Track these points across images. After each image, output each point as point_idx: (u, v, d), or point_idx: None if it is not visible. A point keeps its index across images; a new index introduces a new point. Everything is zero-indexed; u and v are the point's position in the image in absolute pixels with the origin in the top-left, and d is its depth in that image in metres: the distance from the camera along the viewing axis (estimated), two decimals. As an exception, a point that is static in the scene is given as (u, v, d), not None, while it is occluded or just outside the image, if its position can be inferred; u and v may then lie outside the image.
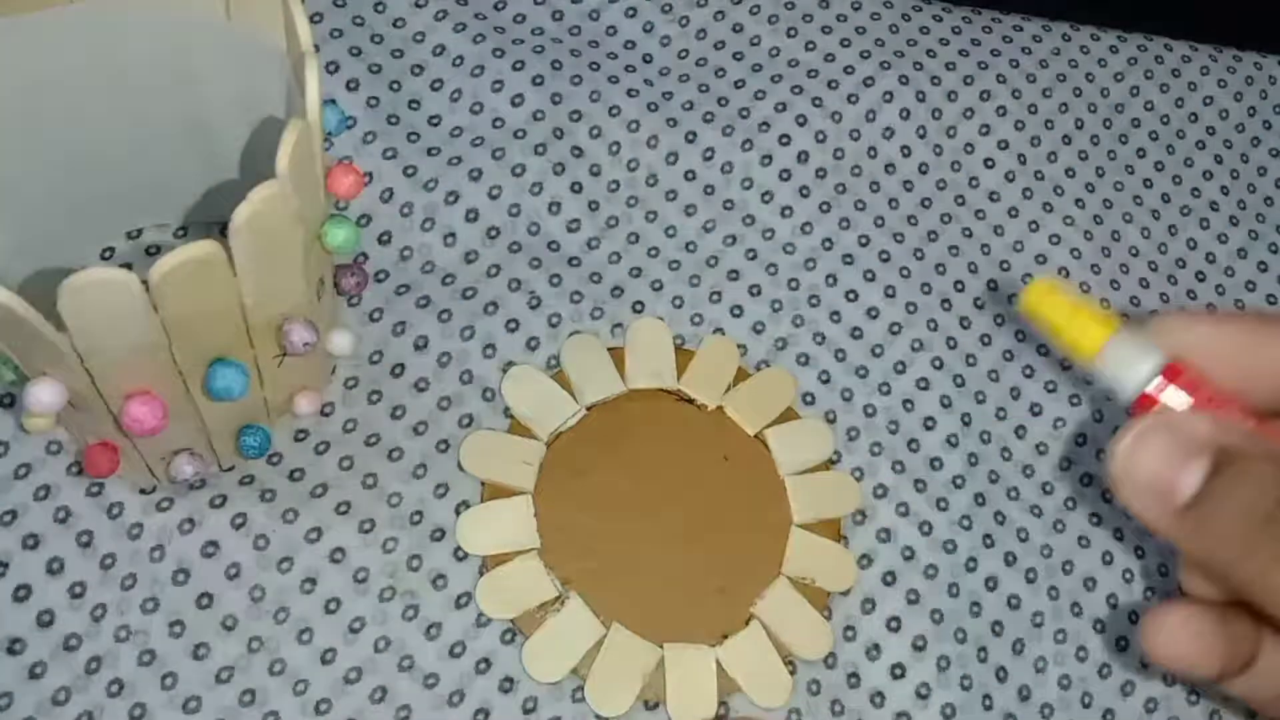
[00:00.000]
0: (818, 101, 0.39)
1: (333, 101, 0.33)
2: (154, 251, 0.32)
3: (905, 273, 0.37)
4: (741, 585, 0.31)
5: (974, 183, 0.39)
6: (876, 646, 0.32)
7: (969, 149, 0.39)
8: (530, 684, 0.29)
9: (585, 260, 0.35)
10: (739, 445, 0.33)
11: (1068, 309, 0.23)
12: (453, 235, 0.34)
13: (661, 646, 0.30)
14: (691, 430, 0.33)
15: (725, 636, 0.30)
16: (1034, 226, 0.38)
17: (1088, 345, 0.23)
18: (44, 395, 0.23)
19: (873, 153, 0.38)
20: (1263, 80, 0.43)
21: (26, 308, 0.21)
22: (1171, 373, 0.22)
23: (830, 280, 0.36)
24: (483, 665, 0.29)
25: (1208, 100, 0.42)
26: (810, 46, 0.40)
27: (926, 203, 0.38)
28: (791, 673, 0.31)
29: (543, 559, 0.30)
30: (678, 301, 0.35)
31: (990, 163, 0.39)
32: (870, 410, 0.34)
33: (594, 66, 0.38)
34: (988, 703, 0.32)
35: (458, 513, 0.31)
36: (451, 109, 0.36)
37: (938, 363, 0.35)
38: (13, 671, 0.27)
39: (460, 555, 0.30)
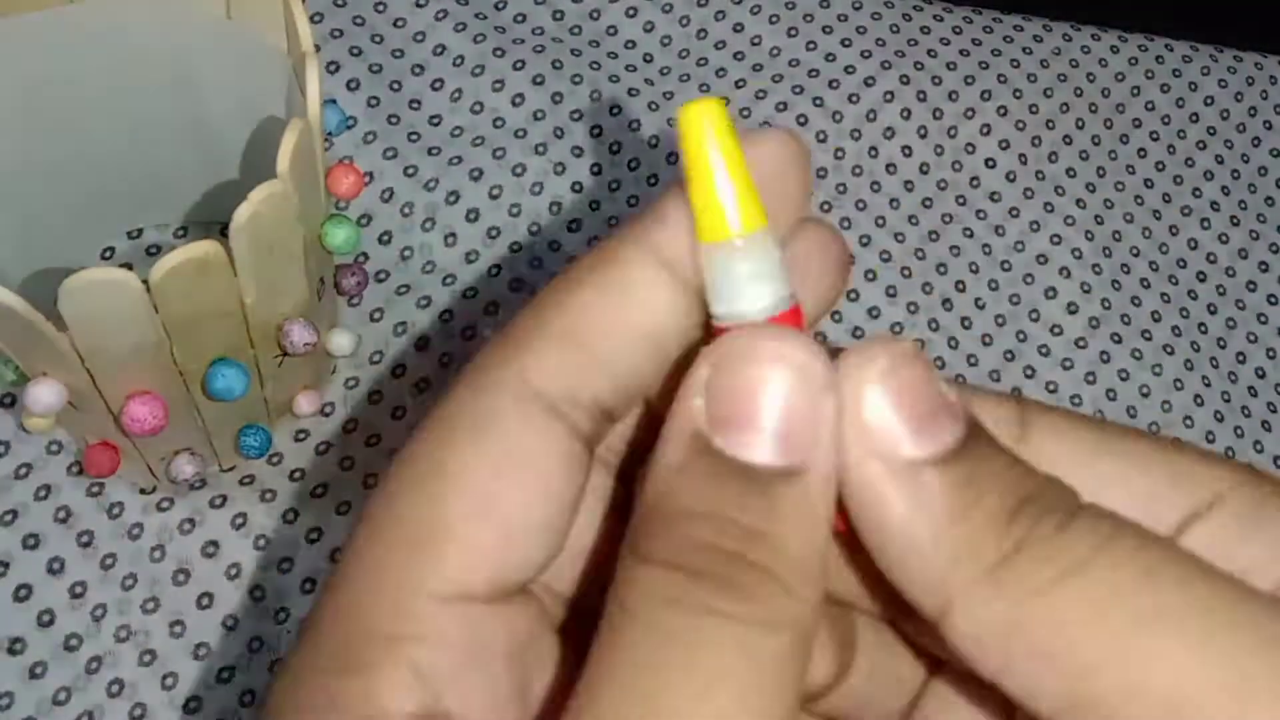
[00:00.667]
0: (818, 101, 0.38)
1: (333, 101, 0.33)
2: (154, 251, 0.32)
3: (906, 273, 0.37)
4: None
5: (975, 183, 0.39)
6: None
7: (970, 149, 0.39)
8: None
9: (586, 260, 0.35)
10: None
11: (738, 162, 0.15)
12: (453, 235, 0.34)
13: None
14: None
15: None
16: (1035, 226, 0.38)
17: (748, 220, 0.15)
18: (44, 395, 0.23)
19: (874, 152, 0.38)
20: (1263, 80, 0.43)
21: (27, 308, 0.21)
22: (796, 315, 0.16)
23: (831, 280, 0.36)
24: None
25: (1209, 100, 0.42)
26: (811, 46, 0.40)
27: (927, 203, 0.38)
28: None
29: None
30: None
31: (991, 163, 0.39)
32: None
33: (595, 66, 0.38)
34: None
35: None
36: (452, 109, 0.36)
37: (939, 363, 0.35)
38: (13, 671, 0.27)
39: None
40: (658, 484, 0.15)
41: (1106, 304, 0.38)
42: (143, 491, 0.29)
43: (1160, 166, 0.41)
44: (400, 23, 0.37)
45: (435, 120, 0.36)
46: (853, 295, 0.36)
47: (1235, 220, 0.41)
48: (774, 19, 0.40)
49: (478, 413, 0.15)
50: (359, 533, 0.15)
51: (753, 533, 0.14)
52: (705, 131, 0.15)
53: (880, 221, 0.37)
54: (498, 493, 0.15)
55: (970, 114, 0.40)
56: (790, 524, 0.14)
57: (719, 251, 0.15)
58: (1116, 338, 0.37)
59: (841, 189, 0.37)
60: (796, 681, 0.14)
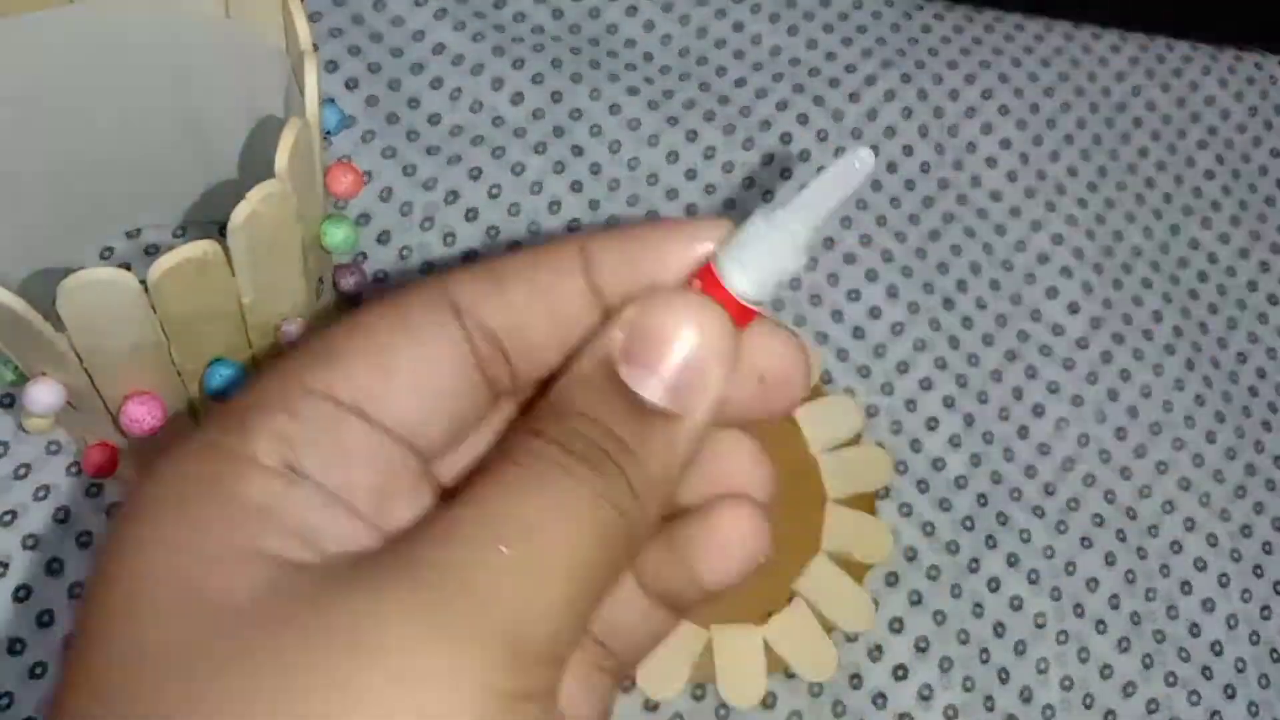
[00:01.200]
0: (819, 100, 0.38)
1: (332, 100, 0.32)
2: (153, 251, 0.32)
3: (907, 272, 0.36)
4: (782, 563, 0.31)
5: (976, 182, 0.39)
6: (879, 648, 0.31)
7: (971, 148, 0.39)
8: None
9: (586, 260, 0.35)
10: (768, 425, 0.33)
11: None
12: (452, 234, 0.34)
13: (708, 629, 0.30)
14: None
15: (770, 615, 0.30)
16: (1036, 226, 0.38)
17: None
18: (44, 395, 0.23)
19: (874, 151, 0.38)
20: (1264, 80, 0.43)
21: (26, 307, 0.21)
22: (750, 314, 0.19)
23: (832, 280, 0.36)
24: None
25: (1209, 100, 0.42)
26: (812, 45, 0.40)
27: (929, 202, 0.38)
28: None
29: None
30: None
31: (992, 162, 0.39)
32: (873, 411, 0.34)
33: (594, 64, 0.38)
34: (989, 704, 0.31)
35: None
36: (451, 107, 0.36)
37: (940, 363, 0.35)
38: (13, 671, 0.27)
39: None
40: (565, 386, 0.18)
41: (1108, 304, 0.38)
42: (142, 492, 0.29)
43: (1161, 166, 0.41)
44: (399, 21, 0.37)
45: (434, 119, 0.36)
46: (853, 295, 0.36)
47: (1236, 220, 0.41)
48: (775, 17, 0.40)
49: (395, 303, 0.19)
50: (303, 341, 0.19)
51: (623, 446, 0.17)
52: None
53: (881, 220, 0.37)
54: (387, 345, 0.18)
55: (971, 113, 0.39)
56: (654, 451, 0.18)
57: (757, 217, 0.18)
58: (1118, 337, 0.37)
59: (842, 188, 0.37)
60: (613, 564, 0.17)
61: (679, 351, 0.18)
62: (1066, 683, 0.32)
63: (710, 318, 0.18)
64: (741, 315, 0.18)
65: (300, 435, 0.17)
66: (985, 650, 0.32)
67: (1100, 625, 0.33)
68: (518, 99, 0.36)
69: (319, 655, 0.15)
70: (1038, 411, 0.36)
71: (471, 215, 0.35)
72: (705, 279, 0.18)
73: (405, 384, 0.18)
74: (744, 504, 0.20)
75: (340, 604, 0.15)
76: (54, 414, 0.24)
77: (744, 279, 0.18)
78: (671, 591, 0.20)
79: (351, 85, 0.35)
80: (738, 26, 0.40)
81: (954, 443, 0.34)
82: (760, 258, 0.18)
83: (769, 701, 0.30)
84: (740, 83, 0.39)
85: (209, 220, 0.32)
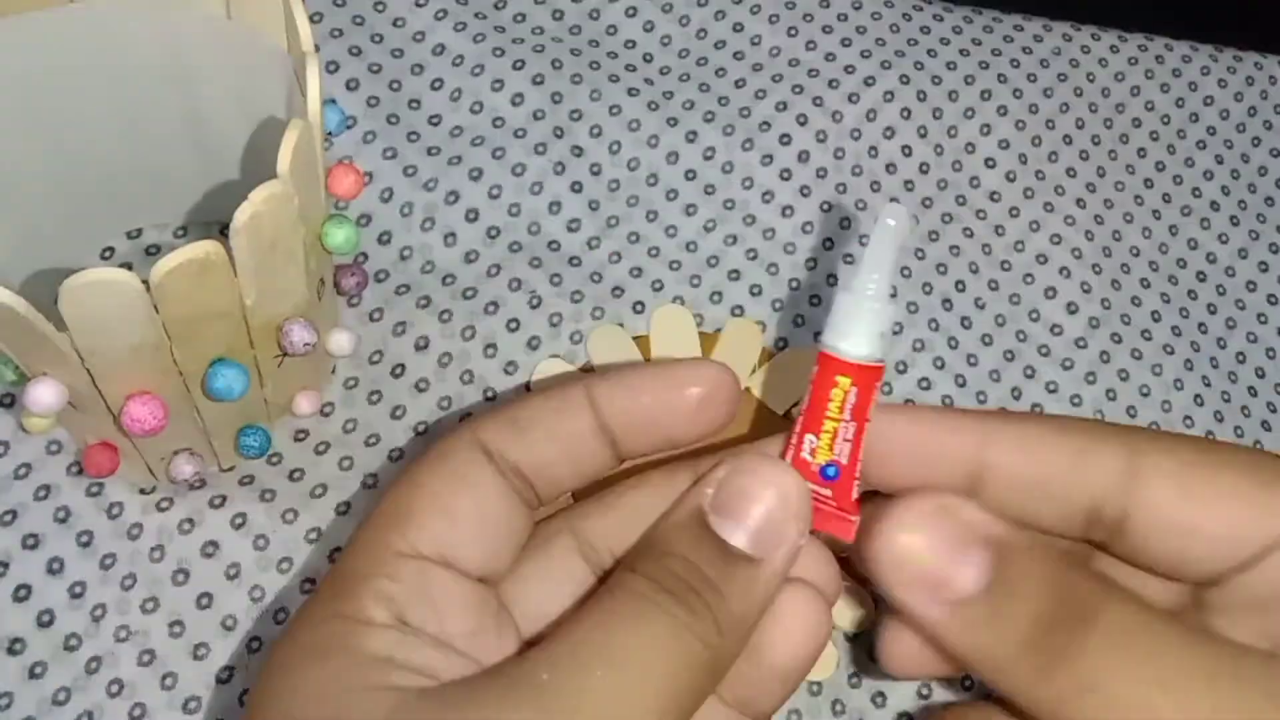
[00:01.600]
0: (818, 101, 0.38)
1: (333, 101, 0.32)
2: (154, 251, 0.32)
3: (906, 273, 0.37)
4: None
5: (975, 182, 0.39)
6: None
7: (970, 149, 0.39)
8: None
9: (586, 260, 0.35)
10: (768, 425, 0.33)
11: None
12: (453, 235, 0.34)
13: None
14: None
15: None
16: (1035, 226, 0.38)
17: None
18: (44, 395, 0.23)
19: (874, 152, 0.38)
20: (1263, 80, 0.43)
21: (27, 307, 0.21)
22: (878, 372, 0.22)
23: (831, 280, 0.36)
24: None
25: (1208, 100, 0.42)
26: (811, 46, 0.40)
27: (927, 202, 0.38)
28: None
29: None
30: (679, 302, 0.35)
31: (991, 162, 0.39)
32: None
33: (594, 66, 0.38)
34: (988, 703, 0.32)
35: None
36: (451, 108, 0.36)
37: (939, 363, 0.35)
38: (13, 671, 0.27)
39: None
40: (661, 530, 0.22)
41: (1106, 304, 0.38)
42: (142, 491, 0.29)
43: (1160, 166, 0.41)
44: (400, 22, 0.37)
45: (435, 120, 0.36)
46: (853, 295, 0.36)
47: (1235, 220, 0.41)
48: (774, 19, 0.40)
49: (440, 457, 0.23)
50: (361, 522, 0.22)
51: (710, 583, 0.20)
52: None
53: (880, 221, 0.37)
54: (448, 498, 0.22)
55: (970, 114, 0.40)
56: (737, 590, 0.20)
57: (849, 295, 0.22)
58: (1116, 337, 0.37)
59: (841, 189, 0.37)
60: (698, 690, 0.20)
61: (763, 506, 0.21)
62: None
63: (789, 480, 0.21)
64: (866, 375, 0.22)
65: (402, 594, 0.20)
66: (984, 650, 0.32)
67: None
68: (518, 100, 0.37)
69: None
70: (1036, 411, 0.36)
71: (472, 216, 0.35)
72: (820, 365, 0.22)
73: (471, 527, 0.22)
74: (808, 588, 0.22)
75: (462, 713, 0.18)
76: (55, 414, 0.24)
77: (857, 346, 0.22)
78: (745, 696, 0.22)
79: (352, 86, 0.35)
80: (737, 28, 0.40)
81: (953, 443, 0.34)
82: (860, 324, 0.22)
83: (768, 701, 0.30)
84: (740, 84, 0.39)
85: (210, 221, 0.32)
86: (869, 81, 0.39)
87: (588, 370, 0.33)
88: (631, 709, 0.18)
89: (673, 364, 0.23)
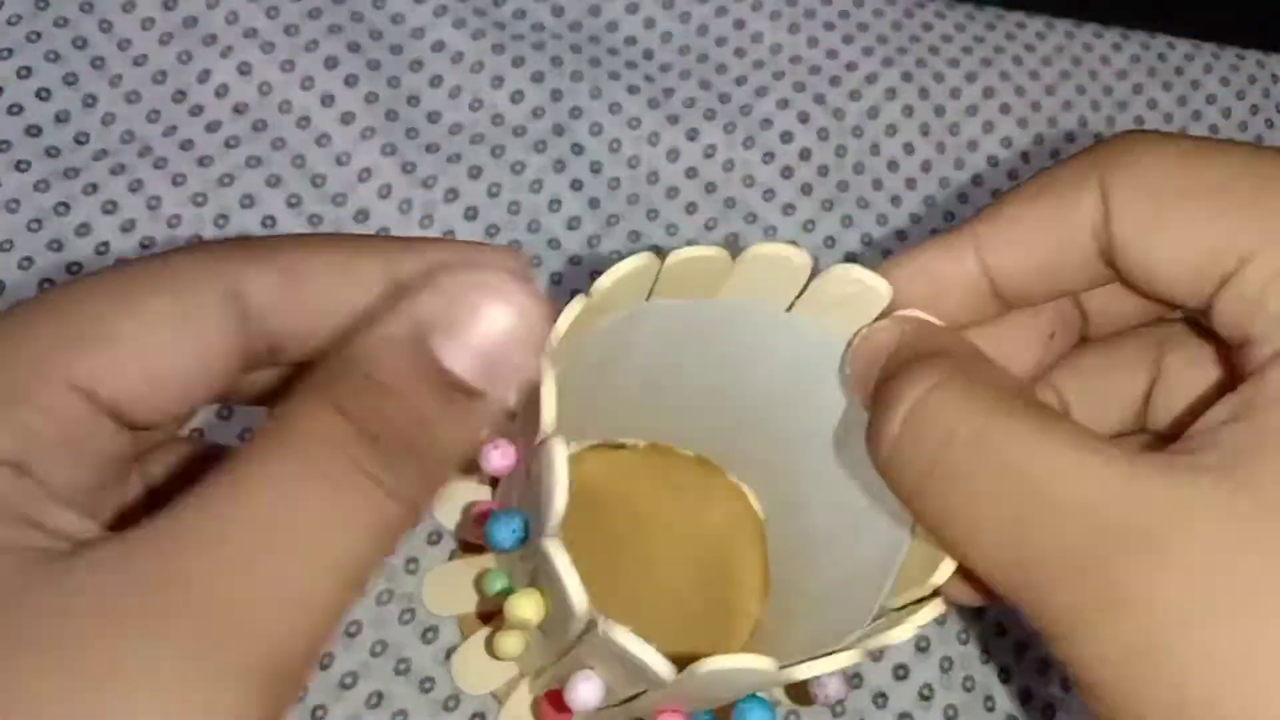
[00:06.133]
0: (820, 98, 0.38)
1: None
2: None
3: (908, 271, 0.36)
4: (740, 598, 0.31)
5: (978, 180, 0.39)
6: (879, 648, 0.31)
7: (972, 146, 0.39)
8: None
9: (586, 258, 0.35)
10: None
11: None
12: (452, 233, 0.34)
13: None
14: None
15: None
16: (1037, 225, 0.38)
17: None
18: (586, 692, 0.21)
19: (875, 150, 0.38)
20: (1265, 79, 0.43)
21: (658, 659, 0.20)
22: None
23: (832, 279, 0.36)
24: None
25: (1211, 99, 0.42)
26: (813, 43, 0.39)
27: (930, 201, 0.38)
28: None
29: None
30: (679, 300, 0.35)
31: (994, 161, 0.39)
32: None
33: (594, 62, 0.38)
34: (990, 704, 0.31)
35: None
36: (450, 105, 0.36)
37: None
38: None
39: (455, 555, 0.30)
40: (369, 345, 0.17)
41: (1109, 303, 0.38)
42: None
43: (1163, 165, 0.41)
44: (399, 19, 0.37)
45: (433, 117, 0.36)
46: (854, 294, 0.36)
47: (1238, 219, 0.41)
48: (775, 15, 0.40)
49: (164, 272, 0.18)
50: (51, 298, 0.17)
51: (424, 419, 0.16)
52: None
53: (882, 220, 0.37)
54: (154, 330, 0.17)
55: (973, 111, 0.39)
56: (452, 427, 0.17)
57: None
58: (1119, 337, 0.37)
59: (843, 186, 0.37)
60: (386, 551, 0.16)
61: (496, 328, 0.17)
62: (1068, 681, 0.32)
63: (529, 300, 0.17)
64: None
65: (36, 430, 0.16)
66: (986, 649, 0.32)
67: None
68: (517, 97, 0.36)
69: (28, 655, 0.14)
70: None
71: (471, 214, 0.35)
72: None
73: (158, 370, 0.17)
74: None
75: (55, 601, 0.14)
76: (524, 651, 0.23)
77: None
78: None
79: (351, 82, 0.35)
80: (738, 24, 0.39)
81: (955, 443, 0.34)
82: None
83: (769, 703, 0.30)
84: (741, 81, 0.38)
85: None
86: (871, 79, 0.39)
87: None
88: (307, 614, 0.15)
89: (477, 244, 0.21)
